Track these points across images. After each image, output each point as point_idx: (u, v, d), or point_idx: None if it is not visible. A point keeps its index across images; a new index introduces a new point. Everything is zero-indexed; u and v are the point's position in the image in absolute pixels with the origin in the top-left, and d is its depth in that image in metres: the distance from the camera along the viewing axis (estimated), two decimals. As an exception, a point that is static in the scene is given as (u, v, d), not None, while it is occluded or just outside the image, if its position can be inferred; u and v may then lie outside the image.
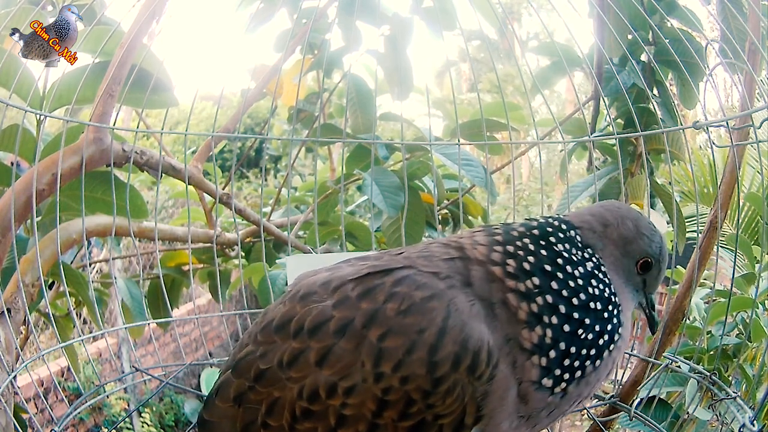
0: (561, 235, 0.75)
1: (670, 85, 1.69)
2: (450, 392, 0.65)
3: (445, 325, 0.66)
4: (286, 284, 1.46)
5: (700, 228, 1.60)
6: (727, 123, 1.11)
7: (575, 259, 0.74)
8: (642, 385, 1.32)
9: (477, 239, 0.75)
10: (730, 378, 1.49)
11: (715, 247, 1.39)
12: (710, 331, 1.50)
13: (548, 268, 0.72)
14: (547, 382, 0.69)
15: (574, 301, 0.71)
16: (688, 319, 1.57)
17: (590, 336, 0.71)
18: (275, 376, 0.71)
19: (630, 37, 1.54)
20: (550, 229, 0.76)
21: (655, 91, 1.64)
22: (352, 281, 0.72)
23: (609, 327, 0.73)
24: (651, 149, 1.62)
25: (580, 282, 0.72)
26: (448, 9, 1.63)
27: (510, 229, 0.76)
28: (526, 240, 0.74)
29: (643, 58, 1.62)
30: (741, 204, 2.33)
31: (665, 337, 1.36)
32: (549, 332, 0.69)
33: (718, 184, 1.37)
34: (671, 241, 1.47)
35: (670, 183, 1.59)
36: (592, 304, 0.72)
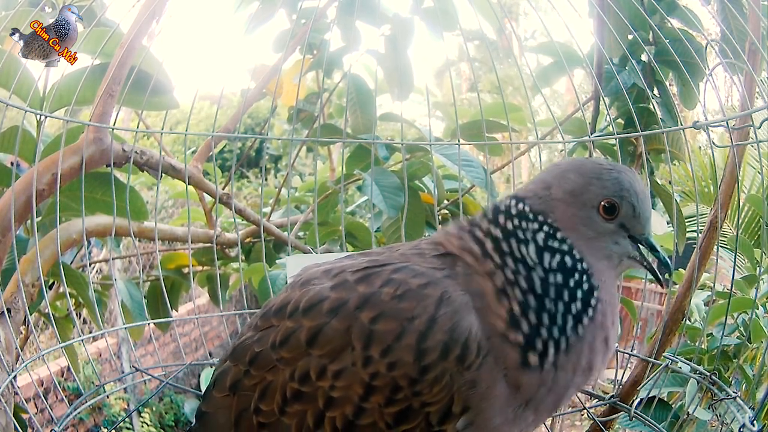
0: (512, 212, 0.73)
1: (670, 85, 1.69)
2: (437, 381, 0.65)
3: (436, 313, 0.66)
4: (286, 284, 1.46)
5: (700, 228, 1.60)
6: (727, 123, 1.11)
7: (528, 236, 0.71)
8: (642, 385, 1.32)
9: (448, 230, 0.76)
10: (730, 378, 1.49)
11: (716, 247, 1.39)
12: (711, 332, 1.50)
13: (505, 247, 0.71)
14: (533, 359, 0.67)
15: (534, 277, 0.69)
16: (689, 320, 1.57)
17: (560, 306, 0.69)
18: (268, 358, 0.72)
19: (630, 37, 1.54)
20: (502, 208, 0.74)
21: (655, 91, 1.64)
22: (353, 270, 0.73)
23: (579, 293, 0.70)
24: (651, 149, 1.61)
25: (535, 258, 0.70)
26: (448, 9, 1.63)
27: (472, 217, 0.77)
28: (483, 222, 0.74)
29: (643, 58, 1.62)
30: (741, 205, 2.33)
31: (665, 337, 1.36)
32: (516, 305, 0.68)
33: (718, 184, 1.37)
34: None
35: (670, 183, 1.59)
36: (552, 278, 0.69)
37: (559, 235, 0.72)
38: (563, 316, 0.69)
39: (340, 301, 0.69)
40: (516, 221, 0.72)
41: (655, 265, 0.78)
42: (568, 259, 0.71)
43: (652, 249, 0.76)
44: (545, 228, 0.72)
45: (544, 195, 0.74)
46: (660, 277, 0.78)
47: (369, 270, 0.72)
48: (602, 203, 0.73)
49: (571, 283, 0.70)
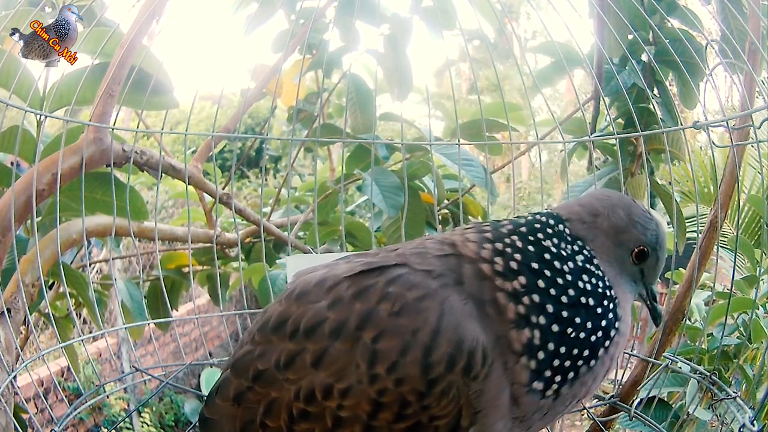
0: (549, 231, 0.73)
1: (670, 85, 1.69)
2: (445, 393, 0.65)
3: (439, 325, 0.65)
4: (286, 285, 1.46)
5: (700, 228, 1.60)
6: (727, 123, 1.11)
7: (564, 254, 0.72)
8: (642, 385, 1.32)
9: (468, 236, 0.74)
10: (730, 378, 1.49)
11: (716, 247, 1.39)
12: (711, 332, 1.50)
13: (535, 265, 0.70)
14: (538, 385, 0.68)
15: (563, 299, 0.69)
16: (689, 320, 1.57)
17: (582, 335, 0.69)
18: (273, 377, 0.71)
19: (630, 37, 1.54)
20: (537, 225, 0.74)
21: (655, 91, 1.64)
22: (347, 280, 0.71)
23: (603, 323, 0.70)
24: (651, 149, 1.61)
25: (569, 278, 0.70)
26: (447, 9, 1.63)
27: (499, 226, 0.75)
28: (514, 237, 0.72)
29: (643, 58, 1.62)
30: (741, 205, 2.33)
31: (665, 337, 1.36)
32: (537, 333, 0.67)
33: (718, 184, 1.37)
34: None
35: (670, 183, 1.59)
36: (583, 300, 0.70)
37: (595, 261, 0.74)
38: (582, 346, 0.69)
39: (339, 322, 0.68)
40: (555, 240, 0.73)
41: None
42: (601, 284, 0.72)
43: (654, 298, 0.82)
44: (584, 252, 0.73)
45: (589, 221, 0.76)
46: (658, 319, 0.85)
47: (363, 282, 0.70)
48: (638, 248, 0.77)
49: (599, 309, 0.71)
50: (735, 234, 1.83)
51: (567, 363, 0.68)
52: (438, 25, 1.62)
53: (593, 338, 0.70)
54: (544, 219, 0.75)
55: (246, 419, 0.74)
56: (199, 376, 1.70)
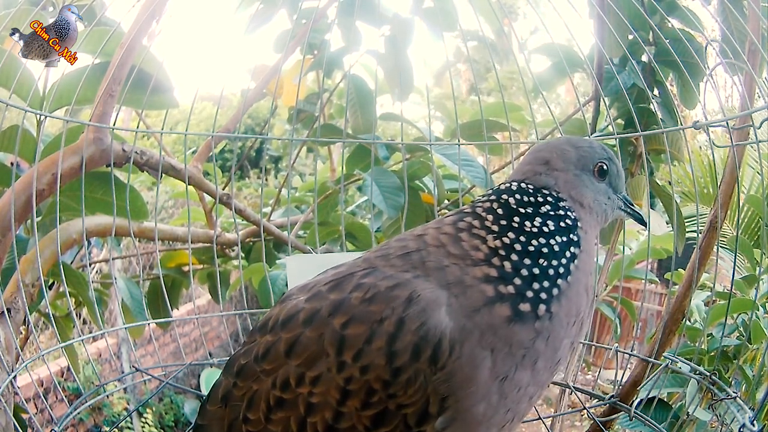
0: (513, 188, 0.79)
1: (670, 85, 1.69)
2: (411, 382, 0.66)
3: (405, 314, 0.67)
4: (286, 285, 1.46)
5: (700, 228, 1.60)
6: (727, 123, 1.11)
7: (530, 210, 0.77)
8: (642, 385, 1.32)
9: (445, 221, 0.79)
10: (730, 379, 1.49)
11: (715, 247, 1.39)
12: (711, 333, 1.50)
13: (503, 222, 0.75)
14: (525, 306, 0.70)
15: (533, 242, 0.74)
16: (689, 321, 1.57)
17: (554, 261, 0.73)
18: (252, 370, 0.75)
19: (630, 37, 1.54)
20: (503, 188, 0.80)
21: (655, 92, 1.63)
22: (326, 281, 0.75)
23: (572, 248, 0.76)
24: (651, 149, 1.61)
25: (539, 226, 0.75)
26: (448, 10, 1.63)
27: (476, 203, 0.80)
28: (487, 204, 0.78)
29: (643, 58, 1.62)
30: (741, 205, 2.34)
31: (665, 337, 1.36)
32: (509, 264, 0.71)
33: (718, 184, 1.37)
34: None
35: (669, 183, 1.59)
36: (551, 240, 0.75)
37: (561, 204, 0.79)
38: (556, 267, 0.74)
39: (313, 311, 0.71)
40: (518, 196, 0.78)
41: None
42: (568, 221, 0.78)
43: (630, 204, 0.89)
44: (550, 199, 0.79)
45: (544, 170, 0.82)
46: (643, 219, 0.91)
47: (340, 279, 0.74)
48: (597, 166, 0.84)
49: (564, 238, 0.76)
50: (735, 234, 1.83)
51: (546, 283, 0.72)
52: (438, 25, 1.62)
53: (564, 260, 0.75)
54: (507, 185, 0.81)
55: (232, 418, 0.77)
56: (199, 376, 1.70)
